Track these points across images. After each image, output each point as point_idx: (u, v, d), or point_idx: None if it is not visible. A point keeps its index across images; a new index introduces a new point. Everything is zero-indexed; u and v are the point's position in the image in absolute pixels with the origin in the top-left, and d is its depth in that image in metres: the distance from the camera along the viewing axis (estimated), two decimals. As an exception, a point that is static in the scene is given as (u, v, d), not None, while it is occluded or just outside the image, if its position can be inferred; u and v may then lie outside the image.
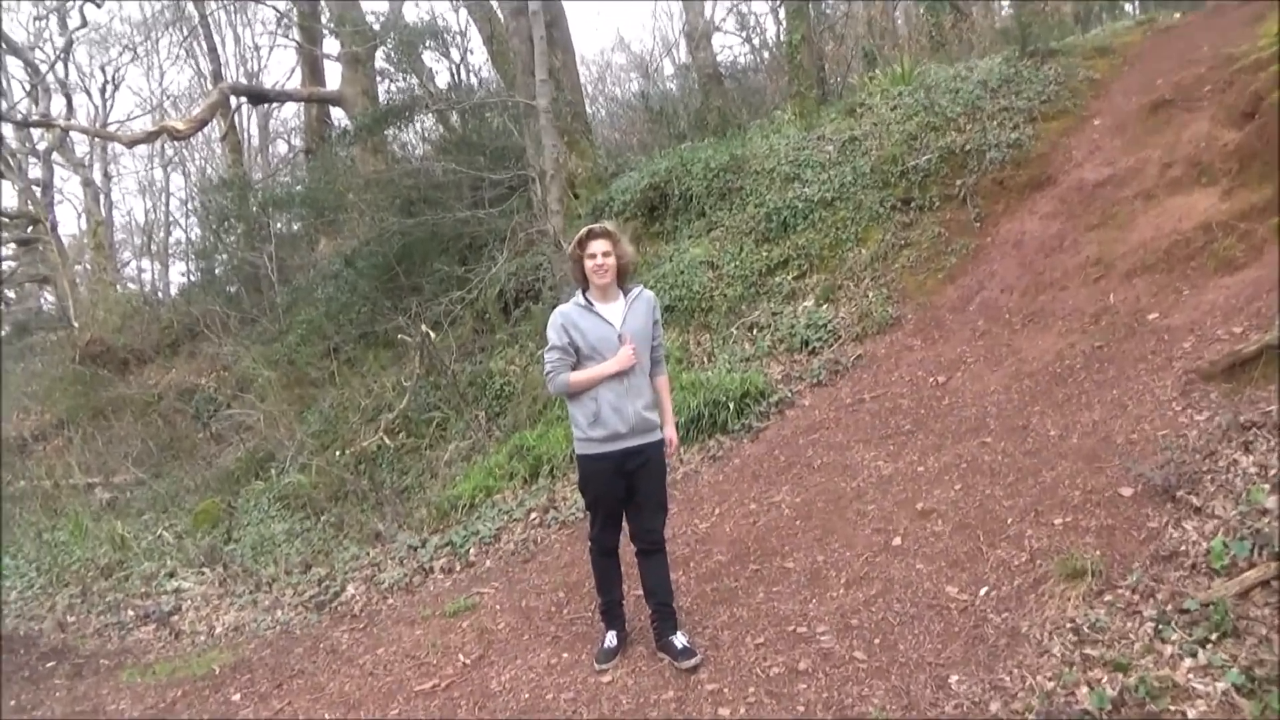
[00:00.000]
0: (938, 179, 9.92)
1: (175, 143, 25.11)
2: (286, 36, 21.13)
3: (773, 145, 11.76)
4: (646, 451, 4.56)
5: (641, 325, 4.58)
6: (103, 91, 32.49)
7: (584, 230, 4.48)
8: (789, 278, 9.95)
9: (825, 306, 9.38)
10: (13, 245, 24.12)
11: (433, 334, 11.30)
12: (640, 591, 4.98)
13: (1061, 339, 7.14)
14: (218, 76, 21.78)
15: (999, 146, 9.78)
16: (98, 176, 25.57)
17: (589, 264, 4.50)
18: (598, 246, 4.47)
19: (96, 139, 23.81)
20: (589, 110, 16.36)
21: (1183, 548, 4.30)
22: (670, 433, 4.70)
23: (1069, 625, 4.16)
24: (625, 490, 4.59)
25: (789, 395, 8.19)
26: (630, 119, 18.60)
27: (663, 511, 4.71)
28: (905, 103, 11.23)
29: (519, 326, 12.00)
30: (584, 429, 4.51)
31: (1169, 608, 4.00)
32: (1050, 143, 9.69)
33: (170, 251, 27.95)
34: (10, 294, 25.44)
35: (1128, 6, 15.48)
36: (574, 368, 4.50)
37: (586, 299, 4.53)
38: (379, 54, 16.42)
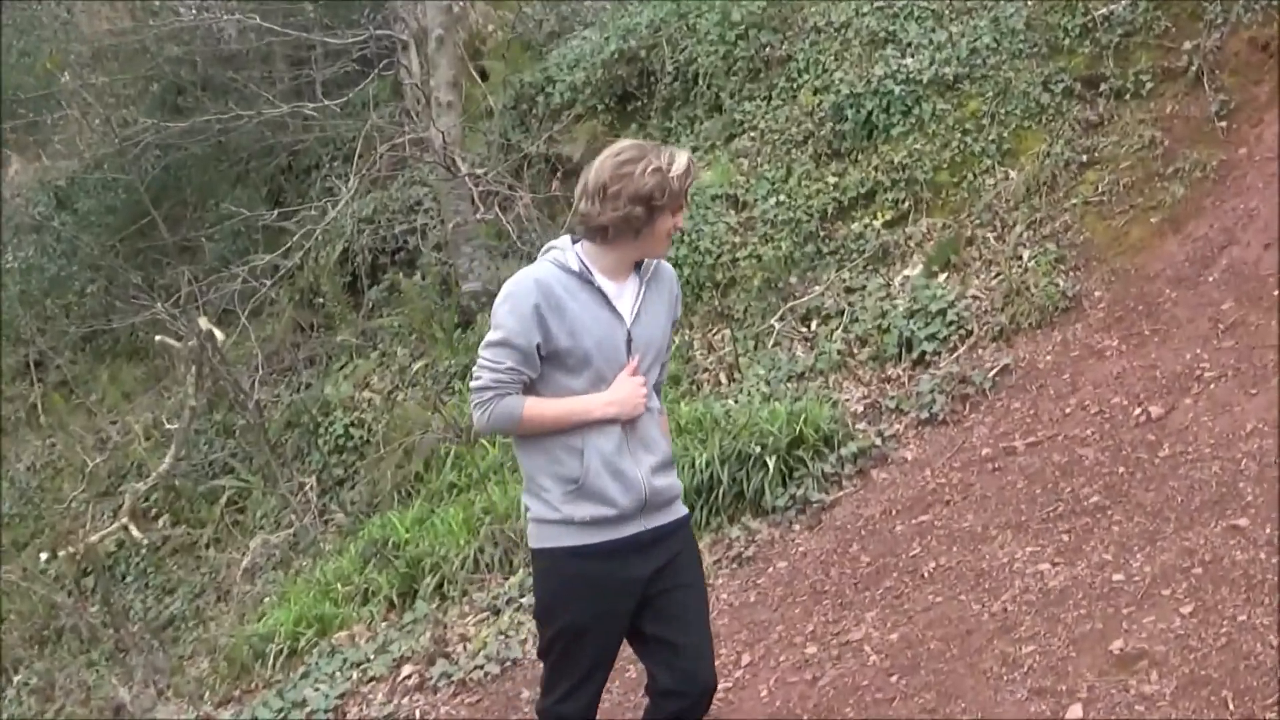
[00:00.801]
0: (1150, 40, 9.91)
1: None
2: None
3: None
4: (670, 541, 4.72)
5: (660, 326, 4.75)
6: None
7: (685, 158, 4.57)
8: (876, 224, 10.02)
9: (944, 278, 9.42)
10: None
11: (219, 333, 11.25)
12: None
13: None
14: None
15: None
16: None
17: (665, 226, 4.60)
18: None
19: None
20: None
21: None
22: None
23: None
24: (631, 618, 4.71)
25: (878, 443, 8.25)
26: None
27: (710, 642, 4.88)
28: None
29: (379, 317, 12.03)
30: (555, 502, 4.58)
31: None
32: None
33: None
34: None
35: None
36: (532, 389, 4.56)
37: (584, 263, 4.57)
38: None
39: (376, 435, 10.83)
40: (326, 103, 12.89)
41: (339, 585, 8.93)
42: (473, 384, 4.50)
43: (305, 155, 14.23)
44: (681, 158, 4.50)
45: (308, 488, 10.72)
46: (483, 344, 4.50)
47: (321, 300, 12.61)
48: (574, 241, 4.60)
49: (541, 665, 4.86)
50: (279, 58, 13.95)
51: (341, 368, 11.99)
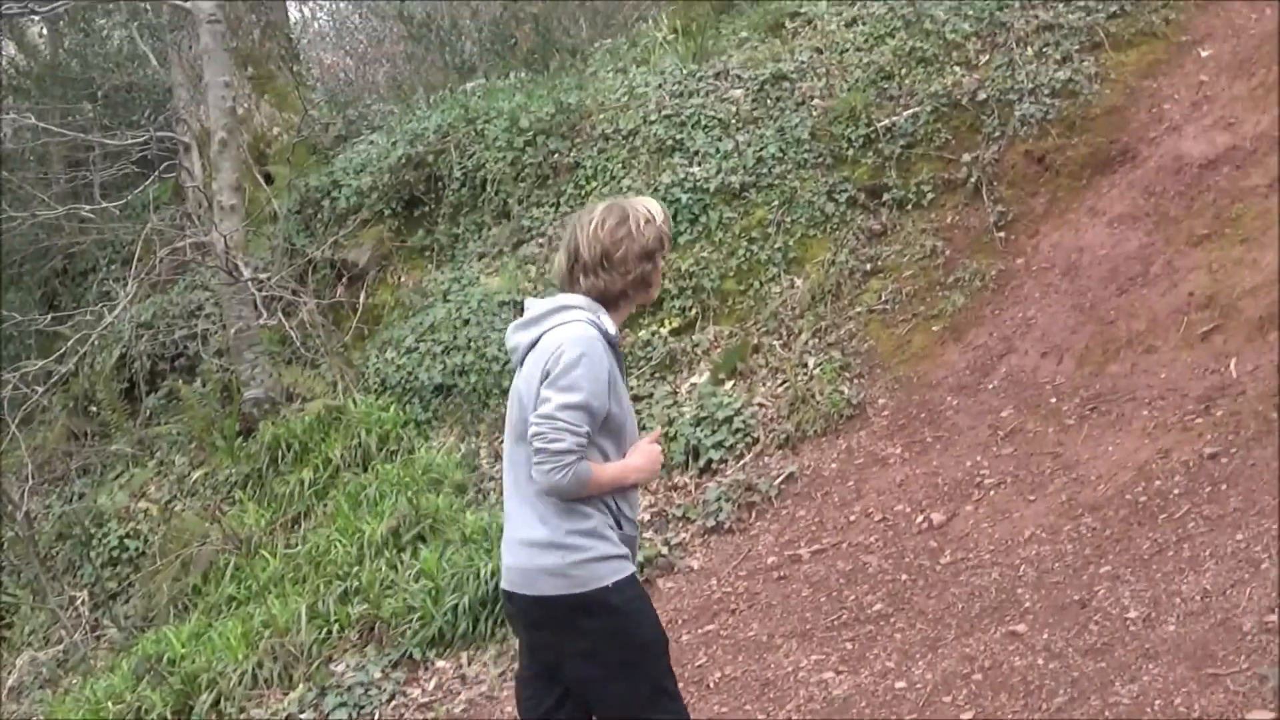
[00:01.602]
0: (930, 152, 10.26)
1: None
2: None
3: (635, 87, 11.97)
4: None
5: None
6: None
7: (655, 201, 4.85)
8: (664, 332, 10.12)
9: (731, 385, 9.53)
10: None
11: (-16, 441, 10.87)
12: None
13: (1148, 443, 7.29)
14: None
15: (1037, 94, 10.15)
16: None
17: (661, 268, 4.87)
18: None
19: None
20: (296, 19, 16.58)
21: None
22: None
23: None
24: None
25: (664, 552, 8.33)
26: (375, 36, 18.78)
27: None
28: (872, 12, 11.46)
29: (157, 425, 11.78)
30: (615, 539, 4.69)
31: None
32: (1127, 89, 10.04)
33: None
34: None
35: None
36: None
37: (612, 333, 4.72)
38: None
39: (153, 547, 10.52)
40: (105, 205, 12.65)
41: (110, 704, 8.63)
42: (553, 445, 4.43)
43: (82, 258, 13.90)
44: (653, 202, 4.77)
45: (79, 602, 10.36)
46: (559, 405, 4.44)
47: (96, 408, 12.20)
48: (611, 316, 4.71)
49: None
50: (56, 158, 13.71)
51: (117, 477, 11.59)
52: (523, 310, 4.75)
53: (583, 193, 11.36)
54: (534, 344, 4.59)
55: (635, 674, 4.65)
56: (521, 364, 4.65)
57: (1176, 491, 6.79)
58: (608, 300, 4.68)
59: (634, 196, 4.86)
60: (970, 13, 11.05)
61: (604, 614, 4.57)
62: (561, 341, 4.47)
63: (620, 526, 4.66)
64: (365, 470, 10.21)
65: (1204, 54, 10.15)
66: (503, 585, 4.75)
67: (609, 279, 4.63)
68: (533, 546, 4.56)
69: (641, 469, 4.72)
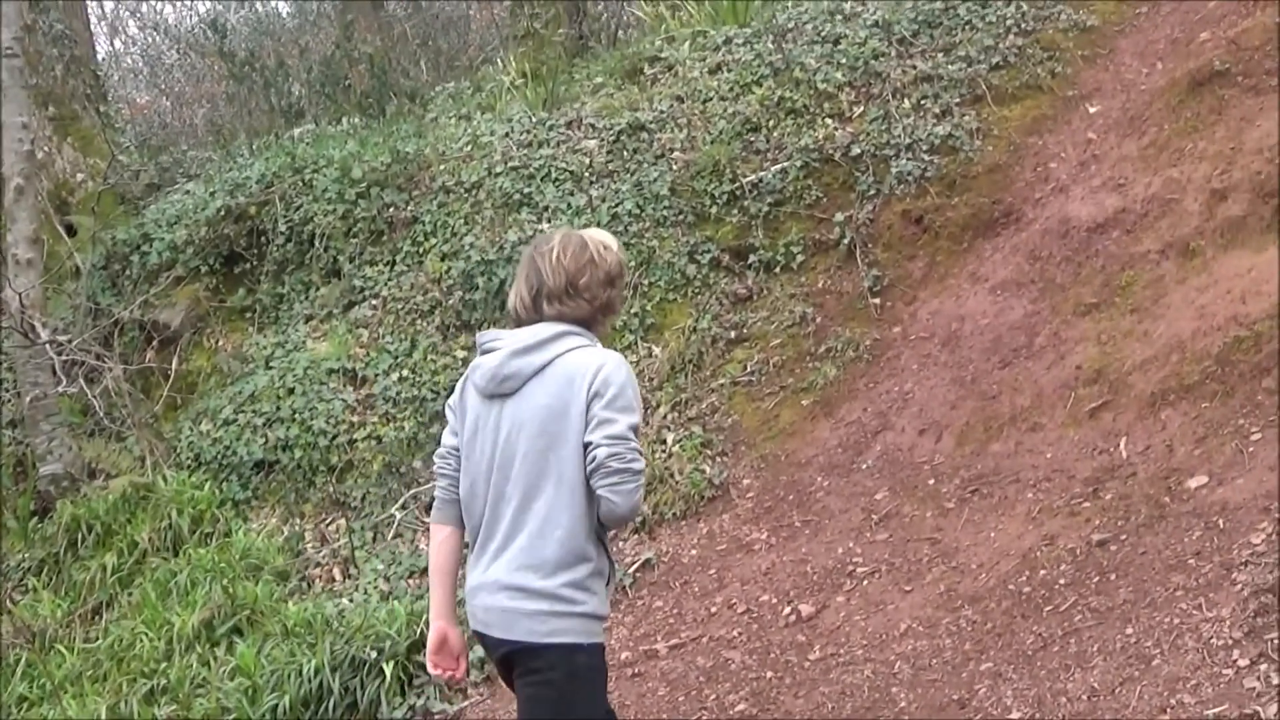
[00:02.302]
0: (800, 210, 10.26)
1: None
2: None
3: (479, 136, 11.95)
4: None
5: None
6: None
7: (620, 248, 5.17)
8: None
9: None
10: None
11: None
12: None
13: (1032, 528, 7.24)
14: None
15: (915, 150, 10.24)
16: None
17: (619, 304, 5.28)
18: None
19: None
20: (104, 53, 16.13)
21: None
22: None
23: None
24: None
25: None
26: (193, 75, 18.54)
27: None
28: (738, 59, 11.50)
29: None
30: (603, 600, 4.93)
31: None
32: (1011, 145, 10.16)
33: None
34: None
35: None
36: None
37: None
38: None
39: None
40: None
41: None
42: (633, 465, 4.67)
43: None
44: (604, 232, 5.15)
45: None
46: (629, 425, 4.70)
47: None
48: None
49: None
50: None
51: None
52: (486, 342, 5.03)
53: (420, 250, 11.23)
54: (543, 368, 4.83)
55: None
56: (518, 391, 4.85)
57: (1062, 581, 6.71)
58: (589, 324, 5.00)
59: (585, 228, 5.40)
60: (843, 60, 11.16)
61: (564, 669, 4.75)
62: (602, 363, 4.78)
63: (611, 573, 4.93)
64: (176, 555, 9.92)
65: (1092, 110, 10.28)
66: (475, 627, 4.87)
67: (575, 305, 4.94)
68: (520, 591, 4.71)
69: None
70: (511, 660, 4.79)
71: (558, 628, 4.68)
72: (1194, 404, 7.35)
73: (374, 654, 8.00)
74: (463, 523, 5.01)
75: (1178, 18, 10.84)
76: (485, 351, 4.98)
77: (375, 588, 8.89)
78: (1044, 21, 11.15)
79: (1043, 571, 6.85)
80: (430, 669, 5.02)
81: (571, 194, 10.98)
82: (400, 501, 9.79)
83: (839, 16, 11.72)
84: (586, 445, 4.68)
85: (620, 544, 8.81)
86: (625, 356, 9.63)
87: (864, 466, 8.53)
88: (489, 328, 10.47)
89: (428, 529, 9.50)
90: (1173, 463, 7.08)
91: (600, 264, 4.99)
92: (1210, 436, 7.07)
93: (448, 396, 10.08)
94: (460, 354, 10.43)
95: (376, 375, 10.59)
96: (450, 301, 10.81)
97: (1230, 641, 5.65)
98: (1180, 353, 7.68)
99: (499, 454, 4.82)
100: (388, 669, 7.92)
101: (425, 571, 9.01)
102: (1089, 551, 6.82)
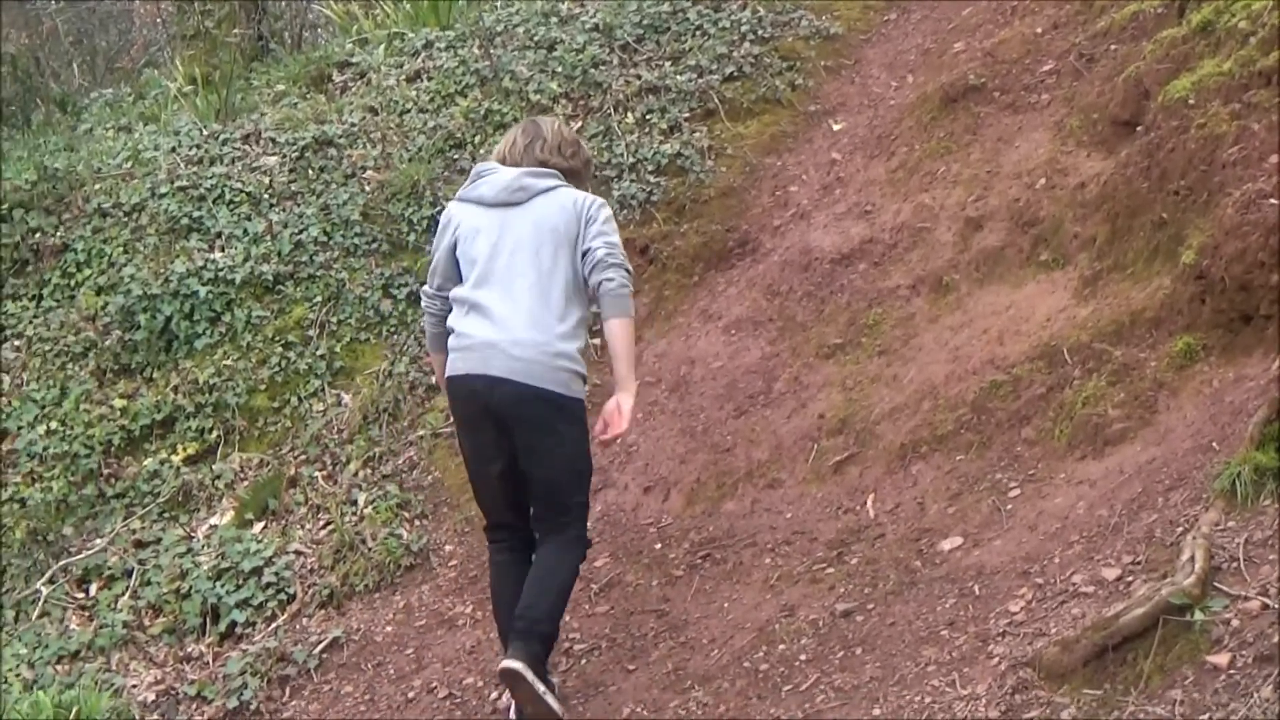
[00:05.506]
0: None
1: None
2: None
3: (141, 150, 11.53)
4: None
5: None
6: None
7: None
8: (176, 460, 9.72)
9: (261, 528, 9.19)
10: None
11: None
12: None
13: (770, 598, 7.16)
14: None
15: (639, 170, 10.26)
16: None
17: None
18: None
19: None
20: None
21: None
22: None
23: None
24: None
25: None
26: None
27: None
28: (440, 66, 11.49)
29: None
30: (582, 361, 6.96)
31: None
32: (746, 166, 10.29)
33: None
34: None
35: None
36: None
37: None
38: None
39: None
40: None
41: None
42: (628, 265, 6.62)
43: None
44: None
45: None
46: (618, 241, 6.65)
47: None
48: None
49: None
50: None
51: None
52: (485, 169, 6.80)
53: (72, 283, 10.68)
54: (546, 191, 6.61)
55: (581, 479, 6.79)
56: (526, 203, 6.61)
57: (803, 658, 6.61)
58: (578, 176, 6.91)
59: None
60: (559, 69, 11.20)
61: (575, 422, 6.63)
62: (591, 199, 6.68)
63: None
64: None
65: (836, 127, 10.40)
66: (495, 372, 6.37)
67: (560, 160, 6.76)
68: (547, 347, 6.43)
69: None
70: (519, 411, 6.40)
71: (567, 384, 6.52)
72: (947, 456, 7.39)
73: (0, 746, 7.44)
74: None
75: (929, 26, 11.18)
76: (482, 175, 6.70)
77: (17, 675, 8.27)
78: (783, 28, 11.36)
79: (781, 646, 6.75)
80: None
81: (249, 218, 10.66)
82: (48, 575, 9.15)
83: (554, 19, 11.78)
84: (585, 252, 6.48)
85: (305, 621, 8.56)
86: (310, 406, 9.65)
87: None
88: (153, 374, 10.23)
89: (80, 607, 9.13)
90: (924, 522, 7.09)
91: (584, 148, 7.03)
92: (965, 493, 7.10)
93: (105, 453, 9.57)
94: (119, 403, 9.98)
95: (20, 428, 10.04)
96: (107, 342, 10.28)
97: (985, 718, 5.52)
98: (932, 399, 7.71)
99: (509, 244, 6.47)
100: (13, 777, 7.38)
101: (77, 655, 8.61)
102: (833, 623, 6.74)
